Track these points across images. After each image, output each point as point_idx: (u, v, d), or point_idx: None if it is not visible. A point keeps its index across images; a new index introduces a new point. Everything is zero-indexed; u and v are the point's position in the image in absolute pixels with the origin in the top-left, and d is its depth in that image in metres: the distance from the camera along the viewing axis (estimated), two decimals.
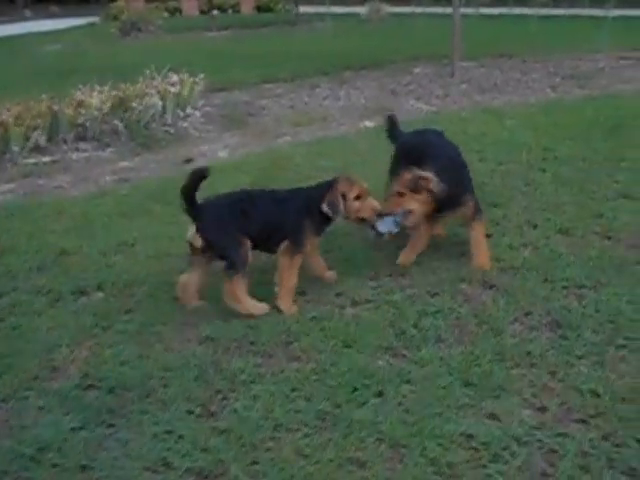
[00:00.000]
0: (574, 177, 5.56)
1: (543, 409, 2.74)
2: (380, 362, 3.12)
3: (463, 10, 11.78)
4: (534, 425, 2.64)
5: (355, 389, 2.91)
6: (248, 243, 3.53)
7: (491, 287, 3.78)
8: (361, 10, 25.04)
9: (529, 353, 3.12)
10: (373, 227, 3.78)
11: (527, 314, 3.48)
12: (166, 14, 29.60)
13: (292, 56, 14.32)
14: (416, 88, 10.58)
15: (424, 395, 2.85)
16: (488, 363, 3.04)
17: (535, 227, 4.58)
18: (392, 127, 4.68)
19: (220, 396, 2.94)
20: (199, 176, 3.45)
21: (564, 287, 3.73)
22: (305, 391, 2.92)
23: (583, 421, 2.65)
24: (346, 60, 13.44)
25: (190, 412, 2.83)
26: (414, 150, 4.12)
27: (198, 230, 3.50)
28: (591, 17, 19.72)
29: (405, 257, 4.12)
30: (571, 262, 4.01)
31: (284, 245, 3.62)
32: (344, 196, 3.66)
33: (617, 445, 2.50)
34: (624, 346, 3.13)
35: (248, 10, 33.11)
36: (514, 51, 14.05)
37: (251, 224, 3.57)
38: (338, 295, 3.80)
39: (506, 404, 2.77)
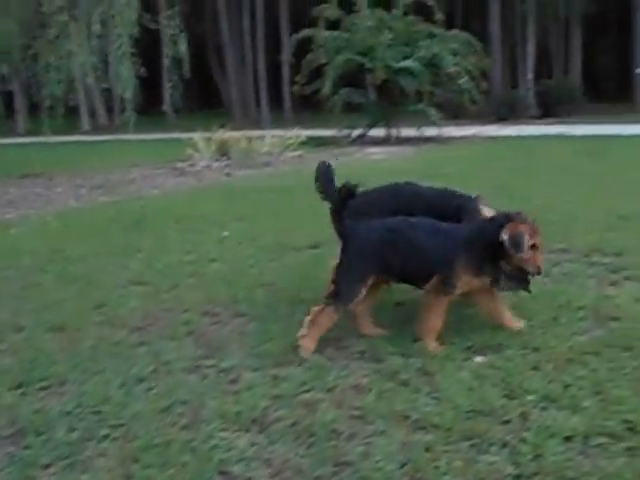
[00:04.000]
0: (82, 273, 5.12)
1: None
2: None
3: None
4: None
5: None
6: (369, 283, 3.36)
7: None
8: None
9: None
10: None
11: None
12: None
13: None
14: None
15: None
16: None
17: (22, 329, 3.91)
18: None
19: None
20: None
21: (43, 388, 3.09)
22: None
23: None
24: None
25: None
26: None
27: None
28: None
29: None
30: (59, 359, 3.41)
31: (433, 282, 3.35)
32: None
33: None
34: (107, 436, 2.60)
35: None
36: (41, 171, 13.61)
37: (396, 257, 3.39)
38: None
39: None
